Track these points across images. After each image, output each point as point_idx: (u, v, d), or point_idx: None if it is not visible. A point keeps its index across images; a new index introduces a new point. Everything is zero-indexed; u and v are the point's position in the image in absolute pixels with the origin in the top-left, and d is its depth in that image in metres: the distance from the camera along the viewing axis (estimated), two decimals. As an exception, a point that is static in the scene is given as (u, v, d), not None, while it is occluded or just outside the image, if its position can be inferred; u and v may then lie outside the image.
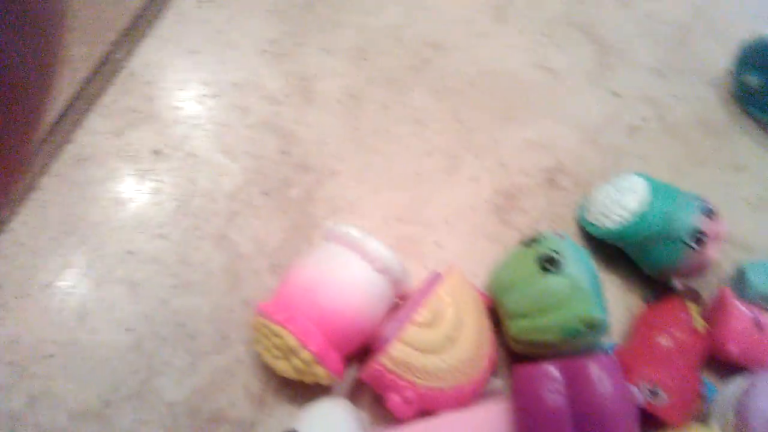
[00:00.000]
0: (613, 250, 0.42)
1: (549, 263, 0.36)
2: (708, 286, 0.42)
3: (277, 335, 0.34)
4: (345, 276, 0.36)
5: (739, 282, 0.42)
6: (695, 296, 0.42)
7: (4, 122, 0.11)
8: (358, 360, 0.37)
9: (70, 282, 0.39)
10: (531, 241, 0.39)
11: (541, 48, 0.51)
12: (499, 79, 0.49)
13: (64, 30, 0.13)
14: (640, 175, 0.43)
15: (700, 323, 0.39)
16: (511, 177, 0.46)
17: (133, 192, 0.42)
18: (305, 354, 0.33)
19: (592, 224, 0.43)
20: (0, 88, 0.11)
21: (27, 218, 0.40)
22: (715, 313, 0.40)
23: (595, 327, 0.35)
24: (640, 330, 0.40)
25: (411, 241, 0.43)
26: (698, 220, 0.40)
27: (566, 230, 0.44)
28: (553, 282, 0.36)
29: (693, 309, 0.41)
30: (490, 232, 0.44)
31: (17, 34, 0.11)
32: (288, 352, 0.34)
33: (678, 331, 0.39)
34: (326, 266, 0.36)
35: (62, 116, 0.42)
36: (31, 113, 0.12)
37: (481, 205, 0.45)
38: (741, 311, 0.40)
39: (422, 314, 0.35)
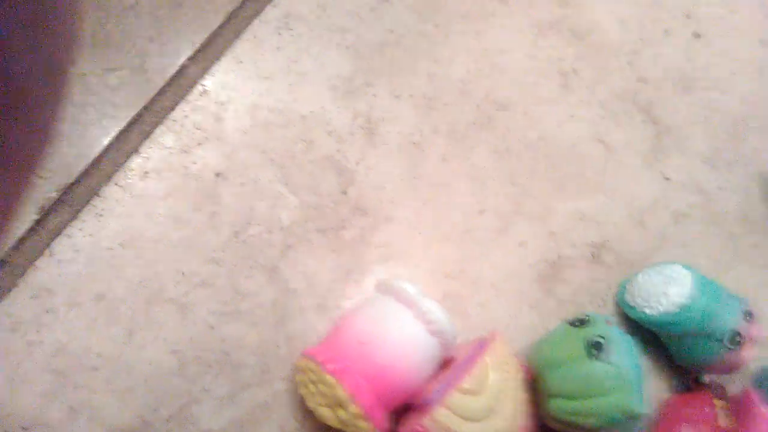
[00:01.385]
0: (647, 334, 0.44)
1: (596, 348, 0.38)
2: (734, 383, 0.44)
3: (326, 384, 0.35)
4: (400, 335, 0.37)
5: (764, 381, 0.44)
6: (722, 393, 0.44)
7: (13, 129, 0.11)
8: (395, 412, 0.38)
9: (122, 296, 0.40)
10: (579, 322, 0.40)
11: (600, 121, 0.53)
12: (557, 147, 0.51)
13: (75, 36, 0.13)
14: (686, 267, 0.45)
15: (725, 420, 0.41)
16: (558, 246, 0.48)
17: (192, 212, 0.43)
18: (353, 408, 0.35)
19: (632, 307, 0.45)
20: (9, 96, 0.11)
21: (85, 224, 0.41)
22: (738, 413, 0.42)
23: (634, 419, 0.37)
24: (666, 419, 0.42)
25: (456, 299, 0.45)
26: (738, 323, 0.42)
27: (605, 308, 0.46)
28: (599, 369, 0.38)
29: (719, 405, 0.43)
30: (532, 300, 0.46)
31: (27, 41, 0.11)
32: (335, 403, 0.36)
33: (703, 425, 0.41)
34: (382, 322, 0.37)
35: (131, 125, 0.43)
36: (41, 122, 0.13)
37: (526, 271, 0.47)
38: (765, 414, 0.42)
39: (468, 381, 0.37)
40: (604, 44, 0.56)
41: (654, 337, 0.45)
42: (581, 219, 0.50)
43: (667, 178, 0.54)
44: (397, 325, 0.37)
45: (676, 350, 0.44)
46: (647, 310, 0.44)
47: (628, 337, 0.40)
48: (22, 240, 0.40)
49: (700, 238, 0.52)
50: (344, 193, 0.46)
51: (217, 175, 0.44)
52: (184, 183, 0.44)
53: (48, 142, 0.14)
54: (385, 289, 0.40)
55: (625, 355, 0.39)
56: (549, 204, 0.50)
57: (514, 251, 0.47)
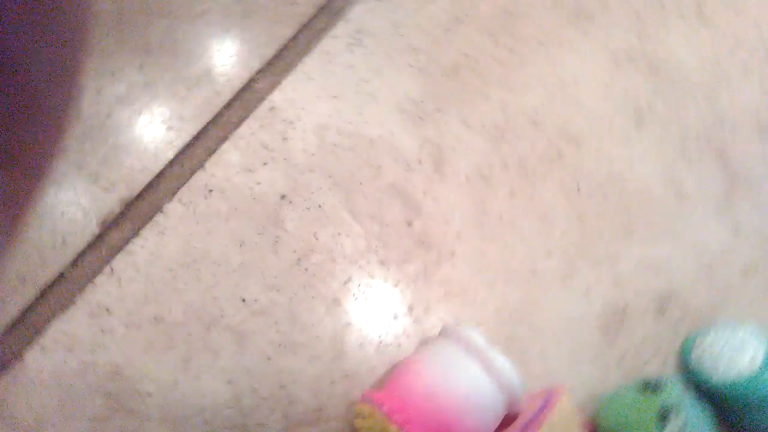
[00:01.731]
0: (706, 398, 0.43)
1: (667, 419, 0.36)
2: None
3: (389, 433, 0.34)
4: (468, 389, 0.36)
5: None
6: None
7: (23, 134, 0.11)
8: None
9: (180, 319, 0.39)
10: (651, 387, 0.39)
11: (673, 163, 0.51)
12: (627, 187, 0.49)
13: (84, 40, 0.13)
14: (759, 331, 0.43)
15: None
16: (623, 295, 0.47)
17: (255, 235, 0.42)
18: (417, 462, 0.34)
19: (698, 371, 0.44)
20: (18, 99, 0.11)
21: (147, 242, 0.40)
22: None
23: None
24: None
25: (517, 345, 0.44)
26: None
27: (667, 365, 0.44)
28: (671, 440, 0.36)
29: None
30: (593, 351, 0.45)
31: (36, 45, 0.11)
32: (397, 453, 0.34)
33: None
34: (450, 374, 0.36)
35: (197, 139, 0.42)
36: (51, 127, 0.12)
37: (589, 320, 0.46)
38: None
39: (535, 441, 0.35)
40: (681, 80, 0.54)
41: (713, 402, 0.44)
42: (648, 267, 0.48)
43: (737, 230, 0.52)
44: (465, 379, 0.36)
45: (740, 420, 0.43)
46: (715, 376, 0.42)
47: (703, 409, 0.39)
48: (82, 254, 0.39)
49: (766, 295, 0.50)
50: (409, 224, 0.45)
51: (282, 197, 0.43)
52: (247, 204, 0.42)
53: (58, 147, 0.13)
54: (452, 335, 0.39)
55: (699, 426, 0.37)
56: (616, 249, 0.48)
57: (578, 298, 0.46)
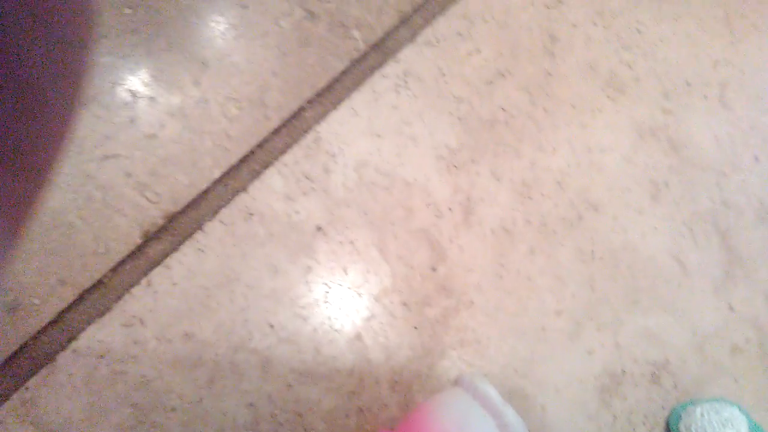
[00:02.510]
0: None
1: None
2: None
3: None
4: (482, 442, 0.39)
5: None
6: None
7: (28, 132, 0.12)
8: None
9: (210, 338, 0.41)
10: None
11: (681, 239, 0.55)
12: (637, 257, 0.53)
13: (89, 39, 0.13)
14: (743, 411, 0.47)
15: None
16: (622, 360, 0.50)
17: (288, 263, 0.44)
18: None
19: (685, 440, 0.47)
20: (23, 98, 0.11)
21: (185, 258, 0.42)
22: None
23: None
24: None
25: (521, 397, 0.47)
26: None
27: (656, 431, 0.48)
28: None
29: None
30: (590, 410, 0.48)
31: (40, 44, 0.11)
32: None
33: None
34: (465, 426, 0.39)
35: (243, 161, 0.44)
36: (56, 125, 0.13)
37: (589, 380, 0.49)
38: None
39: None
40: (697, 160, 0.58)
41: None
42: (647, 335, 0.52)
43: (732, 308, 0.56)
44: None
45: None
46: (699, 447, 0.46)
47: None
48: (122, 263, 0.40)
49: (751, 374, 0.54)
50: (434, 269, 0.47)
51: (318, 229, 0.45)
52: (284, 231, 0.44)
53: (63, 146, 0.13)
54: (469, 387, 0.42)
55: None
56: (621, 315, 0.52)
57: (581, 358, 0.49)
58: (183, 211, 0.42)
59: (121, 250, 0.41)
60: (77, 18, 0.13)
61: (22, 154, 0.12)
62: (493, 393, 0.41)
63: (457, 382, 0.43)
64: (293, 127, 0.47)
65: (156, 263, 0.41)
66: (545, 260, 0.51)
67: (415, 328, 0.46)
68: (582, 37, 0.57)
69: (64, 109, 0.13)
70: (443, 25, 0.53)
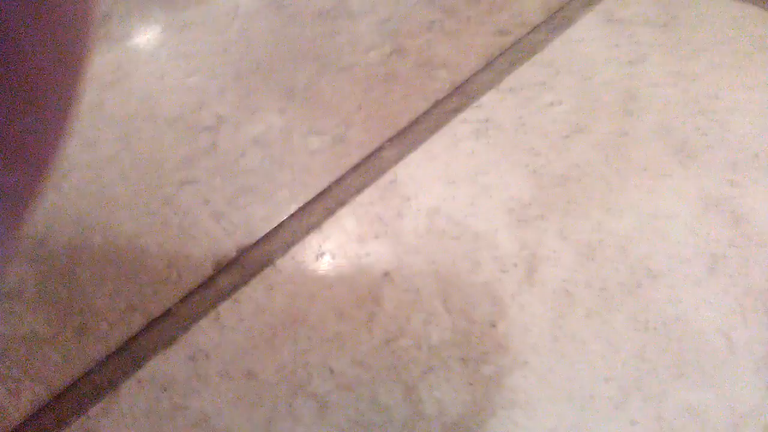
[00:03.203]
0: None
1: None
2: None
3: None
4: None
5: None
6: None
7: (25, 125, 0.12)
8: None
9: (271, 379, 0.41)
10: None
11: (732, 315, 0.55)
12: (687, 330, 0.53)
13: (88, 30, 0.13)
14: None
15: None
16: (662, 434, 0.51)
17: (353, 308, 0.43)
18: None
19: None
20: (20, 91, 0.11)
21: (254, 293, 0.41)
22: None
23: None
24: None
25: (564, 465, 0.47)
26: None
27: None
28: None
29: None
30: (628, 484, 0.48)
31: (38, 36, 0.11)
32: None
33: None
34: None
35: (319, 197, 0.43)
36: (54, 119, 0.13)
37: (629, 451, 0.49)
38: None
39: None
40: (757, 236, 0.58)
41: None
42: (688, 410, 0.52)
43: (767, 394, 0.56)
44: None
45: None
46: None
47: None
48: (192, 293, 0.40)
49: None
50: (494, 325, 0.47)
51: (385, 274, 0.45)
52: (352, 274, 0.44)
53: (61, 140, 0.13)
54: None
55: None
56: (666, 387, 0.52)
57: (624, 428, 0.49)
58: (256, 245, 0.42)
59: (193, 279, 0.40)
60: (77, 5, 0.12)
61: (21, 148, 0.11)
62: None
63: (507, 447, 0.43)
64: (371, 166, 0.46)
65: (225, 296, 0.40)
66: (601, 325, 0.51)
67: (470, 384, 0.46)
68: (660, 98, 0.57)
69: (64, 100, 0.13)
70: (528, 72, 0.52)
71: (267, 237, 0.43)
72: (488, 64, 0.52)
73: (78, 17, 0.12)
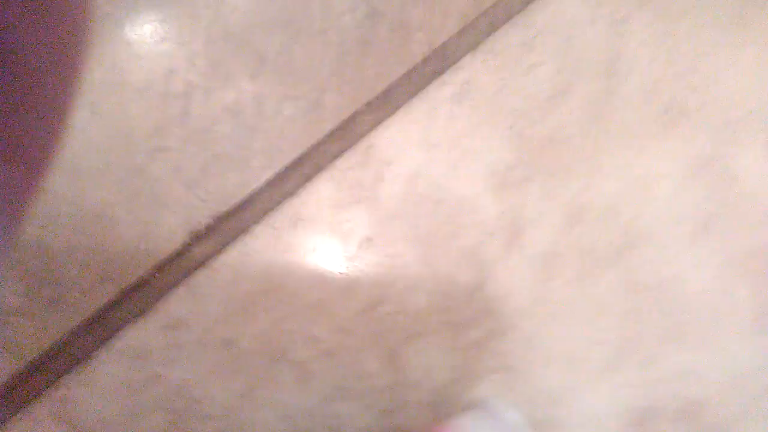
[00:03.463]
0: None
1: None
2: None
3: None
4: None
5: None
6: None
7: (22, 123, 0.11)
8: None
9: (250, 346, 0.40)
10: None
11: (726, 275, 0.54)
12: (680, 291, 0.52)
13: (86, 26, 0.13)
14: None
15: None
16: (656, 397, 0.50)
17: (334, 274, 0.43)
18: None
19: (715, 483, 0.47)
20: (16, 88, 0.11)
21: (230, 261, 0.41)
22: None
23: None
24: None
25: (554, 427, 0.46)
26: None
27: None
28: None
29: None
30: (623, 447, 0.47)
31: (34, 32, 0.11)
32: None
33: None
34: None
35: (295, 163, 0.42)
36: (51, 117, 0.13)
37: (621, 415, 0.48)
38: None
39: None
40: (751, 195, 0.57)
41: None
42: (683, 373, 0.51)
43: (770, 351, 0.55)
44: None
45: None
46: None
47: None
48: (166, 262, 0.39)
49: (783, 420, 0.53)
50: (479, 290, 0.46)
51: (366, 240, 0.44)
52: (332, 240, 0.43)
53: (59, 137, 0.13)
54: (491, 411, 0.41)
55: None
56: (661, 349, 0.51)
57: (615, 391, 0.49)
58: (232, 212, 0.41)
59: (167, 248, 0.39)
60: (72, 3, 0.12)
61: (18, 145, 0.11)
62: (517, 419, 0.40)
63: (480, 405, 0.42)
64: (348, 131, 0.45)
65: (200, 264, 0.40)
66: (589, 288, 0.50)
67: (456, 349, 0.45)
68: (646, 57, 0.55)
69: (61, 97, 0.12)
70: (508, 33, 0.51)
71: (242, 204, 0.43)
72: (467, 26, 0.51)
73: (76, 13, 0.12)
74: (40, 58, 0.11)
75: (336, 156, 0.45)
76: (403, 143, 0.47)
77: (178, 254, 0.40)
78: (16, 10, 0.10)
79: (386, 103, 0.47)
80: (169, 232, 0.40)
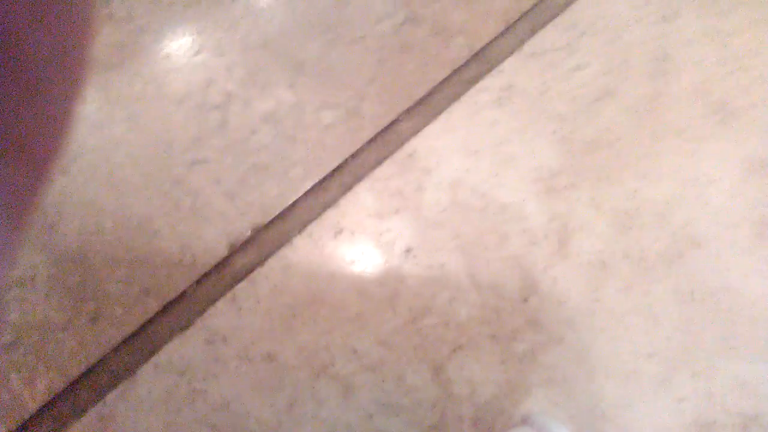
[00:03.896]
0: None
1: None
2: None
3: None
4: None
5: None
6: None
7: (26, 120, 0.11)
8: None
9: (292, 361, 0.39)
10: None
11: (785, 284, 0.51)
12: (737, 300, 0.49)
13: (91, 21, 0.13)
14: None
15: None
16: (713, 410, 0.47)
17: (375, 286, 0.41)
18: None
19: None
20: (20, 85, 0.11)
21: (271, 273, 0.40)
22: None
23: None
24: None
25: (607, 445, 0.44)
26: None
27: None
28: None
29: None
30: (679, 464, 0.45)
31: (39, 27, 0.10)
32: None
33: None
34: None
35: (334, 173, 0.41)
36: (56, 114, 0.12)
37: (678, 429, 0.46)
38: None
39: None
40: (813, 202, 0.54)
41: None
42: (741, 385, 0.49)
43: (834, 363, 0.52)
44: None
45: None
46: None
47: None
48: (207, 275, 0.38)
49: None
50: (525, 300, 0.45)
51: (407, 251, 0.43)
52: (373, 251, 0.42)
53: (64, 135, 0.13)
54: (539, 426, 0.39)
55: None
56: (715, 362, 0.48)
57: (671, 405, 0.46)
58: (271, 223, 0.40)
59: (207, 261, 0.39)
60: (77, 1, 0.12)
61: (22, 144, 0.11)
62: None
63: (526, 421, 0.41)
64: (388, 139, 0.44)
65: (241, 277, 0.39)
66: (641, 298, 0.48)
67: (502, 362, 0.43)
68: (696, 57, 0.53)
69: (66, 98, 0.12)
70: (551, 35, 0.50)
71: (282, 215, 0.42)
72: (507, 29, 0.50)
73: (81, 9, 0.12)
74: (45, 54, 0.11)
75: (376, 165, 0.44)
76: (444, 150, 0.46)
77: (219, 267, 0.39)
78: (19, 7, 0.10)
79: (426, 109, 0.46)
80: (209, 244, 0.39)
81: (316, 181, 0.42)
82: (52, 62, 0.11)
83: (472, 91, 0.47)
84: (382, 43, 0.45)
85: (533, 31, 0.49)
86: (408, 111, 0.45)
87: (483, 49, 0.47)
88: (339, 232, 0.42)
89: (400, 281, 0.42)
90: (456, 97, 0.46)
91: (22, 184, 0.12)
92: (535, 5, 0.49)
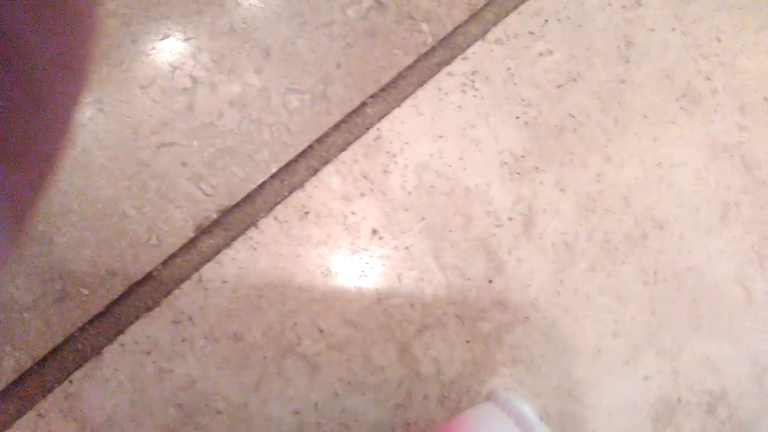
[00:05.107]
0: None
1: None
2: None
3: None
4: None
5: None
6: None
7: (29, 123, 0.11)
8: None
9: (259, 340, 0.40)
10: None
11: (748, 265, 0.53)
12: (701, 281, 0.51)
13: (93, 27, 0.13)
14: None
15: None
16: (678, 388, 0.48)
17: (341, 267, 0.42)
18: None
19: (740, 478, 0.45)
20: (24, 88, 0.11)
21: (238, 255, 0.40)
22: None
23: None
24: None
25: (572, 421, 0.45)
26: None
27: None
28: None
29: None
30: (643, 440, 0.46)
31: (42, 32, 0.11)
32: None
33: None
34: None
35: (301, 156, 0.42)
36: (58, 117, 0.12)
37: (644, 407, 0.47)
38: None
39: None
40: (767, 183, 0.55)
41: None
42: (706, 364, 0.50)
43: (796, 342, 0.54)
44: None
45: None
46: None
47: None
48: (173, 256, 0.39)
49: (812, 412, 0.52)
50: (490, 281, 0.46)
51: (374, 232, 0.44)
52: (340, 233, 0.43)
53: (66, 137, 0.13)
54: (505, 405, 0.40)
55: None
56: (680, 341, 0.50)
57: (636, 383, 0.47)
58: (237, 206, 0.41)
59: (174, 243, 0.39)
60: (79, 3, 0.12)
61: (24, 145, 0.11)
62: (528, 411, 0.39)
63: (490, 398, 0.42)
64: (354, 123, 0.45)
65: (208, 259, 0.40)
66: (605, 279, 0.49)
67: (468, 342, 0.44)
68: (659, 43, 0.54)
69: (67, 98, 0.12)
70: (515, 22, 0.51)
71: (249, 198, 0.43)
72: (473, 15, 0.51)
73: (83, 12, 0.12)
74: (46, 60, 0.11)
75: (342, 148, 0.44)
76: (410, 135, 0.47)
77: (186, 248, 0.40)
78: (22, 10, 0.10)
79: (392, 94, 0.47)
80: (176, 226, 0.40)
81: (283, 164, 0.43)
82: (54, 67, 0.11)
83: (438, 76, 0.48)
84: (348, 29, 0.46)
85: (498, 18, 0.50)
86: (374, 96, 0.46)
87: (449, 35, 0.48)
88: (305, 214, 0.43)
89: (366, 262, 0.43)
90: (422, 82, 0.47)
91: (24, 187, 0.12)
92: (500, -7, 0.50)
